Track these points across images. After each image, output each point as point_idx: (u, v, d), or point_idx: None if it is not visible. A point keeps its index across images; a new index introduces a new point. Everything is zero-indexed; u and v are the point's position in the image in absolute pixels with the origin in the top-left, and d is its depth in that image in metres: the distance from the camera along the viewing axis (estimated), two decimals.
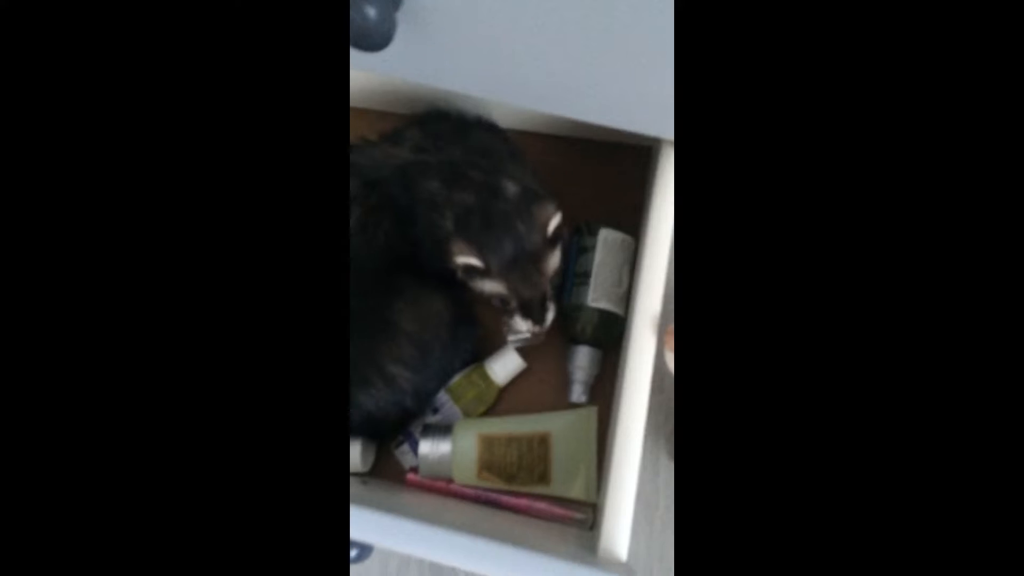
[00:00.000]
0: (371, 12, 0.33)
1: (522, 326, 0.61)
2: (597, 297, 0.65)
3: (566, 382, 0.68)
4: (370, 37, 0.34)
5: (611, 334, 0.66)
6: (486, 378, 0.67)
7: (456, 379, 0.67)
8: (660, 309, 0.55)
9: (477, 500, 0.66)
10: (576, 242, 0.67)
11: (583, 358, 0.66)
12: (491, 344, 0.69)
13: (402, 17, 0.38)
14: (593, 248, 0.66)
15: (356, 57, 0.42)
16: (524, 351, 0.67)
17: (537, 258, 0.57)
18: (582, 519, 0.65)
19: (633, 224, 0.67)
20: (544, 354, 0.69)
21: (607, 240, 0.66)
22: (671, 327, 0.53)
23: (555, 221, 0.57)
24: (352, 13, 0.32)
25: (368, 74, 0.63)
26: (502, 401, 0.69)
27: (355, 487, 0.62)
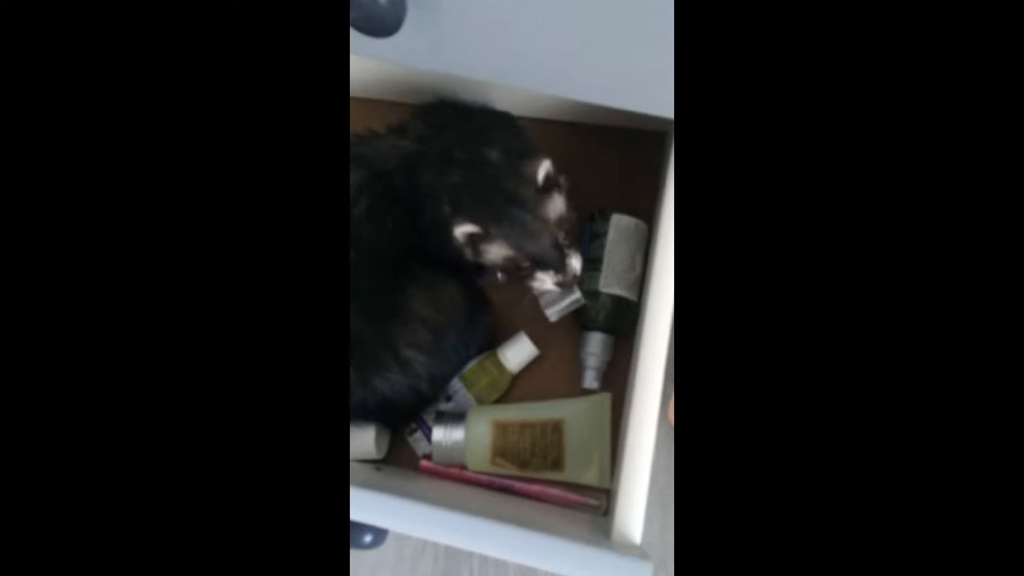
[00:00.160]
0: None
1: (548, 283, 0.60)
2: (609, 283, 0.65)
3: (579, 369, 0.68)
4: (380, 22, 0.34)
5: (624, 320, 0.66)
6: (499, 365, 0.67)
7: (469, 366, 0.67)
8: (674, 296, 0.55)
9: (491, 486, 0.66)
10: (589, 228, 0.67)
11: (596, 344, 0.66)
12: (504, 332, 0.69)
13: (412, 2, 0.38)
14: (605, 234, 0.65)
15: (367, 44, 0.42)
16: (536, 338, 0.67)
17: (533, 208, 0.57)
18: (596, 505, 0.65)
19: (649, 211, 0.67)
20: (557, 341, 0.69)
21: (619, 225, 0.66)
22: None
23: (543, 169, 0.57)
24: None
25: (379, 64, 0.63)
26: (515, 388, 0.69)
27: (369, 473, 0.62)
